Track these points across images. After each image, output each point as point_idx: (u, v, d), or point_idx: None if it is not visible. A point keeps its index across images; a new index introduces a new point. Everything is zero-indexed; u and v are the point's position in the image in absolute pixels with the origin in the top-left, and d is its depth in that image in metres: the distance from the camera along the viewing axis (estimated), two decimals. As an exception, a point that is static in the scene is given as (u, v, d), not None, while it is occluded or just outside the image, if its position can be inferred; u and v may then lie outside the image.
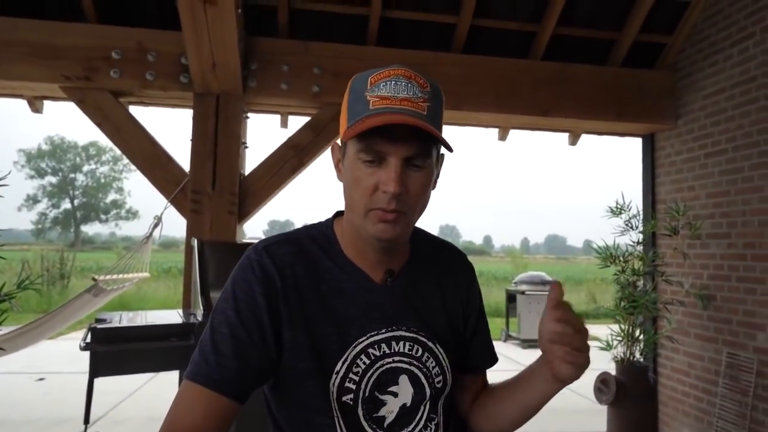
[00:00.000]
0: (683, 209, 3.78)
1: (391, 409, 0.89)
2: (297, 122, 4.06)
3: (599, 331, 4.18)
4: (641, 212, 4.21)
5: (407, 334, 0.92)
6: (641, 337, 3.88)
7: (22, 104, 4.11)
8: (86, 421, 2.60)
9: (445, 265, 1.03)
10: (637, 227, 3.89)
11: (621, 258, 3.87)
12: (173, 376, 3.36)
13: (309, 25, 3.93)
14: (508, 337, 8.64)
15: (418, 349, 0.92)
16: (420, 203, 0.86)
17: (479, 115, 4.07)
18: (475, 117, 4.14)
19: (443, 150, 0.89)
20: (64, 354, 6.68)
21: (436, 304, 0.97)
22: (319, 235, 0.95)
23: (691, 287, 3.82)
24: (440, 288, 0.99)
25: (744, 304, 3.43)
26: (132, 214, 49.96)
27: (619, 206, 3.86)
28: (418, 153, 0.82)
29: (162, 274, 17.61)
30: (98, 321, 2.57)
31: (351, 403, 0.87)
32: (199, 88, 3.60)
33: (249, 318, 0.84)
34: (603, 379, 3.79)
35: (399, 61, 0.94)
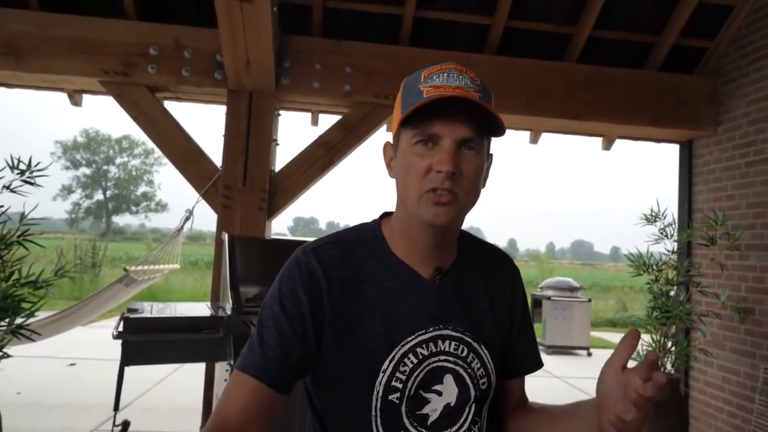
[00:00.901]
0: (721, 219, 3.65)
1: (434, 407, 0.89)
2: (327, 120, 4.09)
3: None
4: (676, 220, 4.09)
5: (453, 333, 0.92)
6: (673, 348, 3.77)
7: (60, 97, 4.23)
8: (116, 408, 2.66)
9: (492, 268, 1.02)
10: (672, 236, 3.78)
11: (654, 267, 3.76)
12: (199, 367, 3.43)
13: (342, 24, 3.94)
14: (532, 343, 8.51)
15: (463, 350, 0.92)
16: (473, 188, 0.87)
17: (511, 118, 4.02)
18: (507, 119, 4.07)
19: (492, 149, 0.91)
20: (95, 341, 6.85)
21: (483, 305, 0.97)
22: (368, 235, 0.96)
23: (727, 299, 3.69)
24: (488, 290, 0.99)
25: (784, 319, 3.31)
26: (161, 207, 51.13)
27: (654, 214, 3.76)
28: (471, 136, 0.84)
29: (189, 266, 17.97)
30: (130, 311, 2.63)
31: (396, 402, 0.87)
32: (233, 85, 3.64)
33: (292, 313, 0.86)
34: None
35: (432, 59, 0.95)
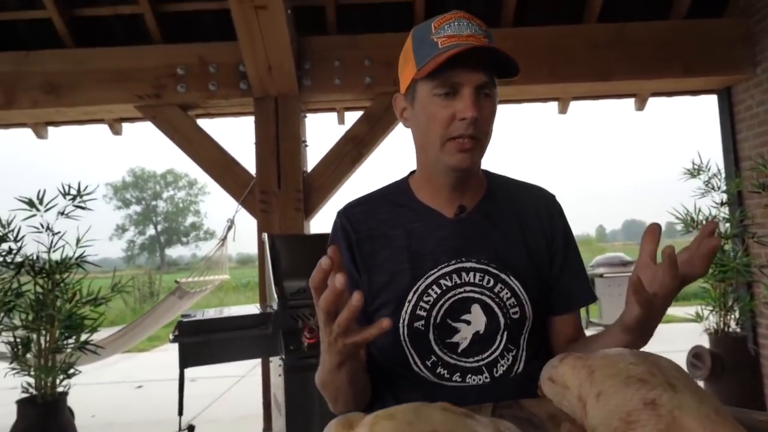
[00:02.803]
0: (771, 162, 3.48)
1: (464, 335, 0.93)
2: (353, 118, 4.14)
3: (690, 311, 3.91)
4: (723, 172, 3.92)
5: (477, 265, 0.95)
6: (735, 305, 3.61)
7: (102, 139, 4.49)
8: (180, 412, 2.77)
9: (528, 203, 1.04)
10: (719, 188, 3.62)
11: (704, 221, 3.61)
12: (257, 378, 3.50)
13: (357, 19, 4.00)
14: (589, 324, 8.28)
15: (489, 280, 0.94)
16: (490, 130, 0.93)
17: (535, 88, 3.96)
18: (532, 90, 4.03)
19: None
20: (160, 364, 7.15)
21: (513, 239, 0.99)
22: (393, 189, 1.05)
23: (789, 246, 3.50)
24: (520, 224, 1.00)
25: None
26: (209, 235, 52.73)
27: (697, 166, 3.62)
28: (487, 81, 0.90)
29: (241, 287, 18.46)
30: (184, 316, 2.73)
31: (422, 329, 0.92)
32: (258, 93, 3.75)
33: (345, 264, 0.95)
34: (696, 353, 3.56)
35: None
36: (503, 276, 0.95)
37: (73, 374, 2.83)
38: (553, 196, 1.08)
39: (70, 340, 2.81)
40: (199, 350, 2.59)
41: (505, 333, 0.94)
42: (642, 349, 0.66)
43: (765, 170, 3.50)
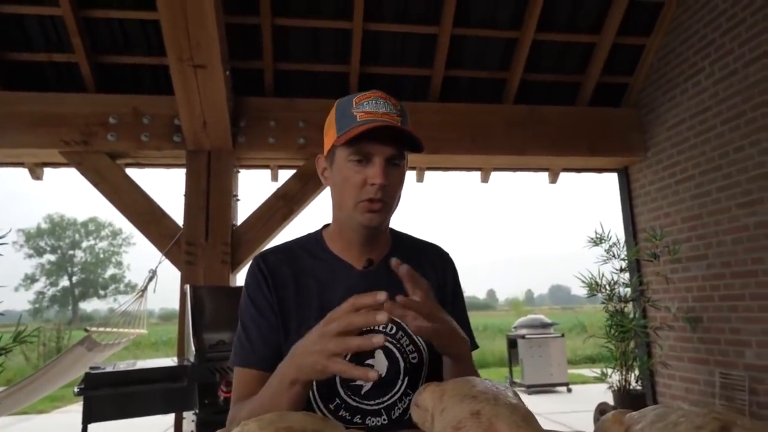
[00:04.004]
0: (660, 235, 3.91)
1: None
2: (286, 175, 4.26)
3: (598, 371, 4.16)
4: (624, 241, 4.34)
5: None
6: (635, 364, 3.90)
7: (21, 182, 4.37)
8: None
9: (423, 259, 1.16)
10: (618, 255, 4.00)
11: (607, 286, 3.95)
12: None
13: (294, 83, 4.21)
14: (512, 384, 8.48)
15: (392, 328, 1.05)
16: (398, 194, 1.05)
17: (459, 158, 4.28)
18: (455, 159, 4.35)
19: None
20: (61, 426, 6.54)
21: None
22: (309, 240, 1.13)
23: (678, 311, 3.88)
24: None
25: (729, 322, 3.49)
26: (131, 288, 49.45)
27: (598, 236, 3.99)
28: (396, 154, 1.01)
29: (161, 344, 17.40)
30: (92, 368, 2.62)
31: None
32: (192, 146, 3.81)
33: (262, 305, 1.03)
34: (601, 410, 3.77)
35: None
36: (404, 325, 1.04)
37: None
38: (447, 254, 1.22)
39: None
40: (107, 404, 2.47)
41: (406, 378, 1.03)
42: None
43: (656, 241, 3.92)
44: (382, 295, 0.78)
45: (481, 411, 0.58)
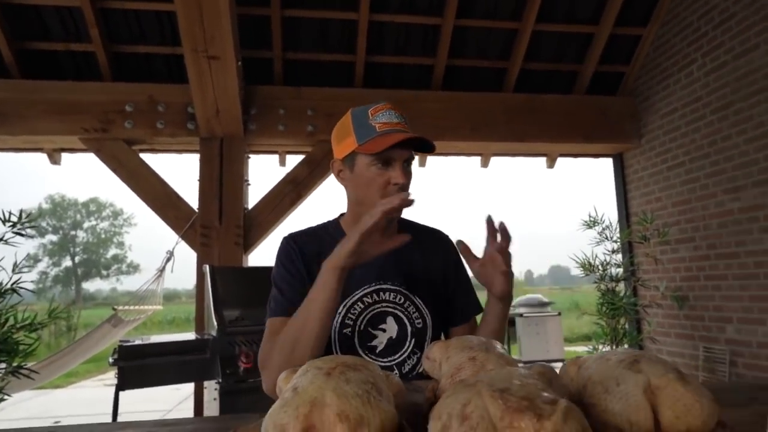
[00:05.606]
0: (651, 218, 4.11)
1: (381, 340, 1.23)
2: (294, 161, 4.45)
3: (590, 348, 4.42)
4: (617, 224, 4.54)
5: (392, 287, 1.26)
6: (625, 339, 4.14)
7: (21, 164, 4.48)
8: None
9: (428, 242, 1.37)
10: (611, 238, 4.21)
11: (600, 266, 4.17)
12: (183, 414, 3.50)
13: (302, 72, 4.37)
14: (509, 362, 8.75)
15: (401, 298, 1.26)
16: (409, 190, 1.25)
17: (459, 144, 4.46)
18: (456, 146, 4.53)
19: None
20: (76, 400, 6.85)
21: (418, 267, 1.31)
22: (328, 226, 1.33)
23: (666, 290, 4.11)
24: (422, 256, 1.33)
25: (713, 300, 3.72)
26: (133, 268, 49.88)
27: (592, 219, 4.20)
28: (410, 157, 1.22)
29: (166, 324, 17.77)
30: (122, 341, 2.85)
31: (350, 334, 1.22)
32: (205, 133, 3.99)
33: (293, 268, 1.22)
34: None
35: (384, 99, 1.33)
36: (411, 296, 1.26)
37: (2, 399, 2.84)
38: (447, 236, 1.43)
39: (1, 365, 2.82)
40: (137, 373, 2.71)
41: (413, 339, 1.25)
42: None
43: (647, 225, 4.13)
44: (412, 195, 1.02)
45: (477, 357, 0.78)
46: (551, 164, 5.14)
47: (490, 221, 1.12)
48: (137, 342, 2.78)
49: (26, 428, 0.95)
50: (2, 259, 3.10)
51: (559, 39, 4.51)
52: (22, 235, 3.23)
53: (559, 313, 9.01)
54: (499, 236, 1.12)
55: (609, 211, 4.75)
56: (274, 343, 1.11)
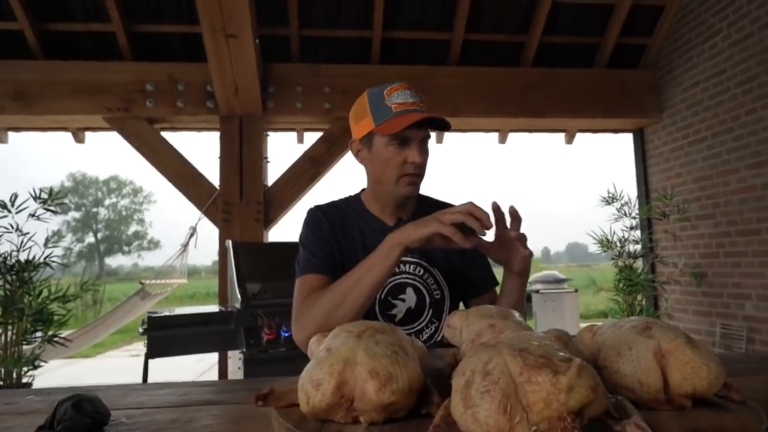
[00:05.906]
0: (671, 194, 4.08)
1: (400, 310, 1.29)
2: (312, 138, 4.49)
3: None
4: (636, 201, 4.52)
5: (412, 259, 1.31)
6: (642, 315, 4.15)
7: (42, 145, 4.59)
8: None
9: None
10: (630, 214, 4.19)
11: (618, 243, 4.17)
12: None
13: (318, 49, 4.38)
14: (525, 337, 8.83)
15: (420, 270, 1.31)
16: (426, 168, 1.28)
17: (476, 120, 4.45)
18: (473, 122, 4.52)
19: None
20: (104, 369, 7.12)
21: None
22: (350, 201, 1.38)
23: (684, 266, 4.10)
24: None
25: (732, 277, 3.71)
26: (154, 244, 50.89)
27: (611, 195, 4.18)
28: (426, 135, 1.25)
29: (187, 299, 18.20)
30: (151, 313, 2.97)
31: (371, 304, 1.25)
32: (224, 111, 4.04)
33: (320, 233, 1.27)
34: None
35: (400, 75, 1.36)
36: (429, 267, 1.31)
37: (38, 366, 2.99)
38: None
39: (38, 334, 2.97)
40: (166, 343, 2.83)
41: (431, 309, 1.30)
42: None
43: (666, 201, 4.10)
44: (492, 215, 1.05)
45: (495, 324, 0.83)
46: (570, 140, 5.10)
47: (496, 208, 1.13)
48: (165, 313, 2.89)
49: (72, 386, 1.02)
50: (35, 234, 3.23)
51: (579, 10, 4.42)
52: (52, 211, 3.34)
53: (576, 290, 9.04)
54: (509, 220, 1.14)
55: (628, 187, 4.71)
56: (316, 297, 1.15)
